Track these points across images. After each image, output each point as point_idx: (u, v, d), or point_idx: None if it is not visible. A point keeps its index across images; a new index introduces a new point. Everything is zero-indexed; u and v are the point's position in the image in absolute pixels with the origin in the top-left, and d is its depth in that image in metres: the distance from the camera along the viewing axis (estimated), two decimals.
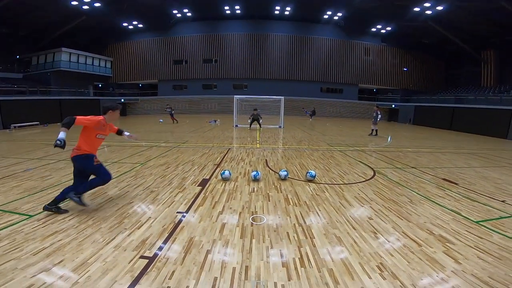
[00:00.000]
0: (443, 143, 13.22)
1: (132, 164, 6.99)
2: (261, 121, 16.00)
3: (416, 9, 22.21)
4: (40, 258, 2.72)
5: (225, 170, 5.75)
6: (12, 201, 4.29)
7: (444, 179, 6.27)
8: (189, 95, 32.16)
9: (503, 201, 4.85)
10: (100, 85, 32.35)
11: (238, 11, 29.15)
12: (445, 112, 22.34)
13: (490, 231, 3.63)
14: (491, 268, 2.75)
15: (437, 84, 31.97)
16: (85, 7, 22.74)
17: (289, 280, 2.51)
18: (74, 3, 21.83)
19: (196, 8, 28.36)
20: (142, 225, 3.54)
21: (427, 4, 21.28)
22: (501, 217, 4.11)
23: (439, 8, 21.14)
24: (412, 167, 7.47)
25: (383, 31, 29.87)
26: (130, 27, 30.38)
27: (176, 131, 15.04)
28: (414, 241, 3.30)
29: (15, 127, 16.79)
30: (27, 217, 3.71)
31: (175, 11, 28.73)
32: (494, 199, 4.98)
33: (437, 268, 2.73)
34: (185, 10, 28.73)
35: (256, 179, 5.63)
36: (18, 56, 25.61)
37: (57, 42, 25.57)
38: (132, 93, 32.38)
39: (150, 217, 3.78)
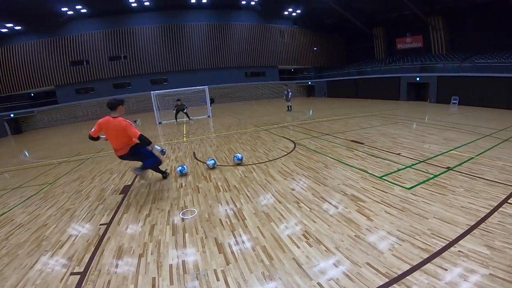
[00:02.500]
0: (351, 110, 15.05)
1: (39, 185, 5.92)
2: (185, 110, 15.09)
3: None
4: None
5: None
6: None
7: (352, 141, 7.13)
8: (98, 98, 27.82)
9: (398, 154, 5.64)
10: None
11: (146, 3, 26.30)
12: (350, 84, 25.61)
13: (392, 184, 4.04)
14: (397, 221, 3.03)
15: (342, 59, 35.88)
16: None
17: (227, 265, 2.54)
18: None
19: (92, 3, 24.37)
20: (64, 243, 3.21)
21: None
22: (399, 169, 4.68)
23: None
24: (326, 134, 8.29)
25: (294, 14, 31.72)
26: (4, 30, 24.35)
27: (87, 141, 13.25)
28: (331, 204, 3.60)
29: None
30: None
31: (64, 9, 24.18)
32: (392, 153, 5.78)
33: (353, 228, 2.96)
34: (78, 7, 24.45)
35: (183, 174, 5.41)
36: None
37: None
38: (23, 105, 26.33)
39: (71, 235, 3.42)
